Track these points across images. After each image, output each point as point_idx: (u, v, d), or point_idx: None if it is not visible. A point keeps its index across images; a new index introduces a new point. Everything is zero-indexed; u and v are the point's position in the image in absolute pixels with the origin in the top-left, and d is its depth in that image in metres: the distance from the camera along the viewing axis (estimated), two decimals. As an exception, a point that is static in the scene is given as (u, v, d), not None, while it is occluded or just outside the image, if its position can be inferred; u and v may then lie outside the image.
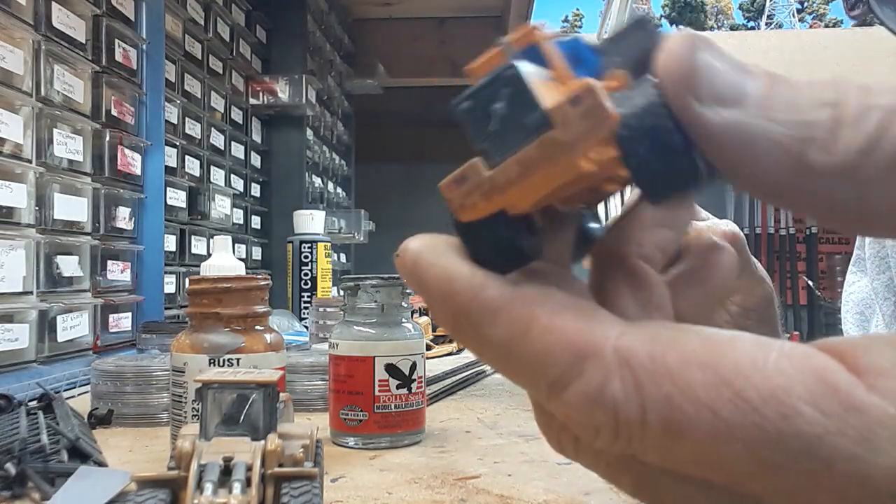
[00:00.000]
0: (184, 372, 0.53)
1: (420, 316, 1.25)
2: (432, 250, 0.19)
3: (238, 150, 1.71)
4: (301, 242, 1.43)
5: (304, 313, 1.39)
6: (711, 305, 0.26)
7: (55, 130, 0.93)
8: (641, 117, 0.18)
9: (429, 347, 1.17)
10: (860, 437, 0.15)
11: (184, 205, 1.37)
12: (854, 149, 0.17)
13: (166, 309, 1.24)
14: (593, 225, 0.23)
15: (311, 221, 1.45)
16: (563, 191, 0.19)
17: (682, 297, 0.24)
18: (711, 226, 0.34)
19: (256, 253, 1.81)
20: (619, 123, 0.18)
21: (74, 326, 0.96)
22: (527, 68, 0.18)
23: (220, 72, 1.60)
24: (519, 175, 0.18)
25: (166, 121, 1.25)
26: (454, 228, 0.20)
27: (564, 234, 0.22)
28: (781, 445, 0.16)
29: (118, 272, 1.08)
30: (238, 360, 0.52)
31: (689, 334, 0.17)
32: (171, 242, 1.32)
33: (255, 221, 1.81)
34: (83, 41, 1.01)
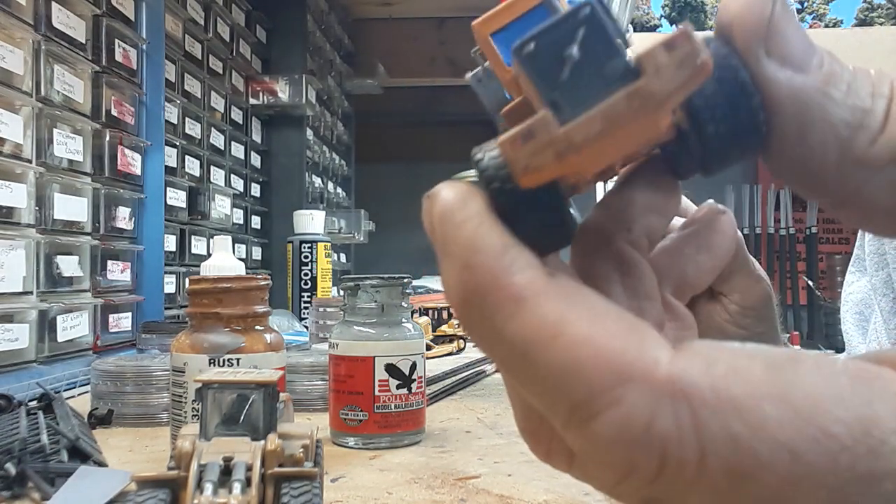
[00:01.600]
0: (184, 372, 0.53)
1: (420, 316, 1.25)
2: (465, 207, 0.16)
3: (238, 150, 1.71)
4: (301, 242, 1.43)
5: (304, 313, 1.39)
6: (714, 271, 0.25)
7: (55, 130, 0.93)
8: (716, 69, 0.16)
9: (429, 347, 1.17)
10: None
11: (184, 205, 1.37)
12: None
13: (166, 309, 1.24)
14: (572, 210, 0.22)
15: (311, 221, 1.45)
16: (625, 157, 0.17)
17: (689, 260, 0.23)
18: None
19: (256, 253, 1.81)
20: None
21: (74, 326, 0.96)
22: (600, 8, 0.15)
23: (220, 72, 1.60)
24: (601, 132, 0.15)
25: (166, 121, 1.25)
26: (493, 194, 0.17)
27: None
28: (873, 488, 0.13)
29: (118, 272, 1.08)
30: (238, 360, 0.52)
31: (748, 357, 0.15)
32: (171, 242, 1.32)
33: (255, 221, 1.81)
34: (83, 41, 1.01)
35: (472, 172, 0.17)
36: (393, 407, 0.62)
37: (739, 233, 0.34)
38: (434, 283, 2.04)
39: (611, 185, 0.22)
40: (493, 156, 0.17)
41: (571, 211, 0.22)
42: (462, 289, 0.16)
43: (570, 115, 0.15)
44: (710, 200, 0.25)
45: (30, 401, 0.65)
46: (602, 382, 0.14)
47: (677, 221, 0.26)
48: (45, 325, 0.90)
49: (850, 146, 0.17)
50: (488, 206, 0.16)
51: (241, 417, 0.34)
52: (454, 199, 0.16)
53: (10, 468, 0.46)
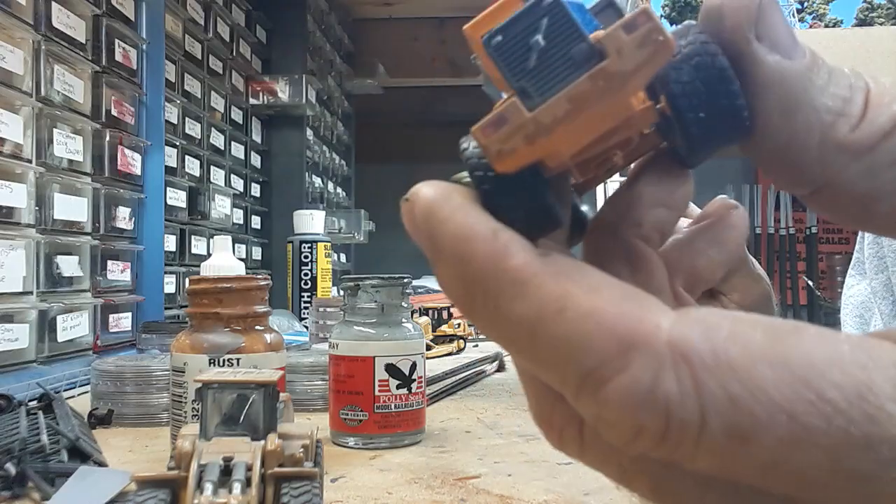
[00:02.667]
0: (184, 372, 0.53)
1: (420, 316, 1.25)
2: (448, 201, 0.16)
3: (238, 150, 1.71)
4: (301, 242, 1.43)
5: (304, 313, 1.39)
6: (726, 266, 0.25)
7: (55, 130, 0.93)
8: (692, 56, 0.17)
9: (429, 347, 1.17)
10: None
11: (184, 205, 1.37)
12: (877, 130, 0.17)
13: (166, 309, 1.24)
14: (584, 208, 0.22)
15: (311, 221, 1.45)
16: (597, 143, 0.18)
17: (700, 254, 0.24)
18: None
19: (256, 253, 1.81)
20: (669, 63, 0.16)
21: (74, 326, 0.96)
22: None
23: (220, 72, 1.60)
24: (567, 114, 0.15)
25: (166, 121, 1.25)
26: (476, 184, 0.17)
27: (566, 211, 0.20)
28: (870, 453, 0.14)
29: (118, 272, 1.08)
30: (238, 360, 0.52)
31: (750, 325, 0.15)
32: (171, 242, 1.32)
33: (255, 221, 1.81)
34: (83, 41, 1.01)
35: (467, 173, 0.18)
36: (393, 407, 0.62)
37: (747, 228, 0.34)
38: (434, 282, 2.04)
39: (612, 182, 0.22)
40: (475, 145, 0.17)
41: (583, 207, 0.22)
42: (461, 282, 0.16)
43: (538, 100, 0.16)
44: (723, 196, 0.26)
45: (30, 401, 0.65)
46: (608, 351, 0.15)
47: (684, 222, 0.26)
48: (45, 325, 0.90)
49: (832, 131, 0.18)
50: (472, 197, 0.17)
51: (241, 417, 0.34)
52: (435, 196, 0.16)
53: (10, 468, 0.46)
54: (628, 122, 0.18)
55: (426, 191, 0.17)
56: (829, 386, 0.14)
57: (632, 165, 0.22)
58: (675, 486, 0.18)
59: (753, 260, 0.35)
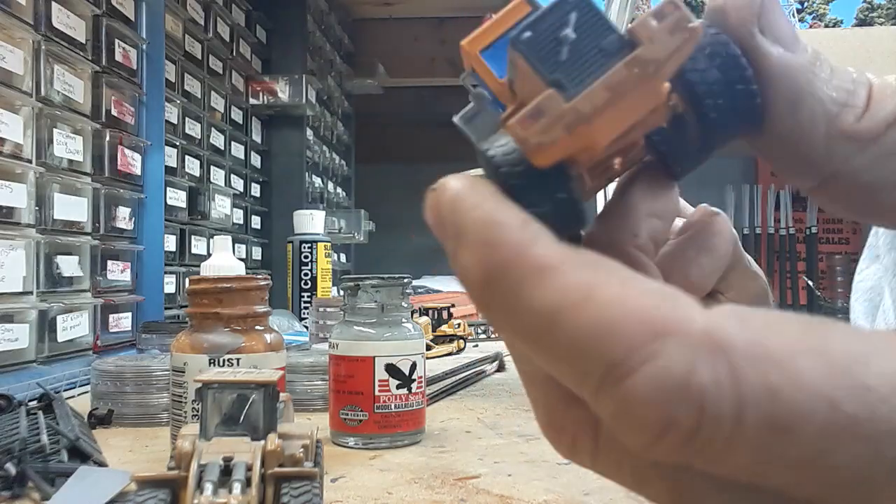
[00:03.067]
0: (184, 372, 0.53)
1: (420, 316, 1.25)
2: (476, 192, 0.16)
3: (238, 150, 1.71)
4: (301, 242, 1.43)
5: (304, 313, 1.39)
6: (718, 272, 0.25)
7: (55, 130, 0.93)
8: (705, 46, 0.18)
9: (429, 347, 1.17)
10: None
11: (184, 205, 1.37)
12: (881, 121, 0.18)
13: (166, 309, 1.24)
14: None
15: (311, 221, 1.45)
16: (626, 135, 0.18)
17: (691, 263, 0.24)
18: None
19: (256, 253, 1.81)
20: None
21: (74, 326, 0.96)
22: None
23: (220, 72, 1.60)
24: (606, 101, 0.16)
25: (166, 121, 1.25)
26: (503, 179, 0.17)
27: None
28: None
29: (118, 272, 1.08)
30: (238, 360, 0.52)
31: (782, 317, 0.15)
32: (171, 242, 1.32)
33: (255, 221, 1.81)
34: (83, 41, 1.01)
35: (475, 172, 0.18)
36: (393, 407, 0.62)
37: (734, 230, 0.34)
38: (434, 282, 2.04)
39: (610, 192, 0.23)
40: (499, 143, 0.17)
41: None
42: (483, 266, 0.16)
43: (574, 91, 0.16)
44: (704, 204, 0.26)
45: (30, 401, 0.65)
46: (638, 338, 0.14)
47: (678, 222, 0.26)
48: (45, 325, 0.90)
49: (838, 121, 0.18)
50: (499, 190, 0.17)
51: (241, 417, 0.34)
52: (464, 186, 0.16)
53: (10, 468, 0.46)
54: (656, 111, 0.18)
55: (454, 182, 0.17)
56: (869, 375, 0.14)
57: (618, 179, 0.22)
58: (694, 491, 0.17)
59: (749, 258, 0.35)
